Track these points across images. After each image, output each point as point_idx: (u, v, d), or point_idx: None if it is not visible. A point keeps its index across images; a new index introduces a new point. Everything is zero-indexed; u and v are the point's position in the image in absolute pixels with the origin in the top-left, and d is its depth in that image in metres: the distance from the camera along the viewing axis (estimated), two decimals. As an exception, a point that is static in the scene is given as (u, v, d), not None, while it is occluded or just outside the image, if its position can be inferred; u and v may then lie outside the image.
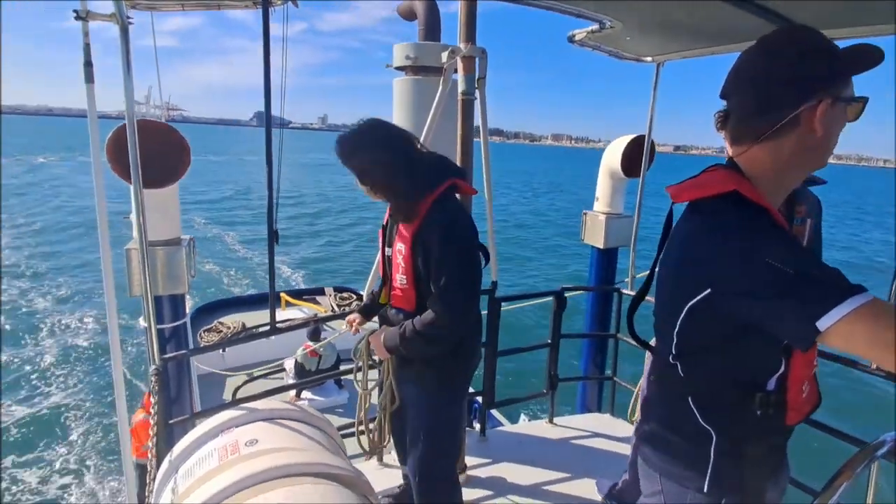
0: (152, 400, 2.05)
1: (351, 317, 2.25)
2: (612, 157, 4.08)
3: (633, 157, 3.90)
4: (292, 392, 5.87)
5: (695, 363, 1.12)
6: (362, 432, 2.39)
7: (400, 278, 1.86)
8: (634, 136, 3.99)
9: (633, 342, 1.42)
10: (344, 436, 2.75)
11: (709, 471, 1.12)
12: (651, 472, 1.25)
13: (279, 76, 2.08)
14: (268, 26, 2.07)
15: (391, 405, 2.11)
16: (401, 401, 2.08)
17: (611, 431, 3.43)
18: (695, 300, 1.04)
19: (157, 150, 2.63)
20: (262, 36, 2.06)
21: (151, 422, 2.01)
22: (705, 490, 1.13)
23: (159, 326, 2.61)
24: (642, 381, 2.49)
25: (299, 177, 48.38)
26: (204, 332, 7.04)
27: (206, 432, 1.80)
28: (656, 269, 1.22)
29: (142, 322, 2.55)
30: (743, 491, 1.12)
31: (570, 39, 2.69)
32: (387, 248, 1.96)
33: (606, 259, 4.17)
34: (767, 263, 0.91)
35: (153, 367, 2.08)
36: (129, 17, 1.63)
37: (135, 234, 2.81)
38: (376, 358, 2.05)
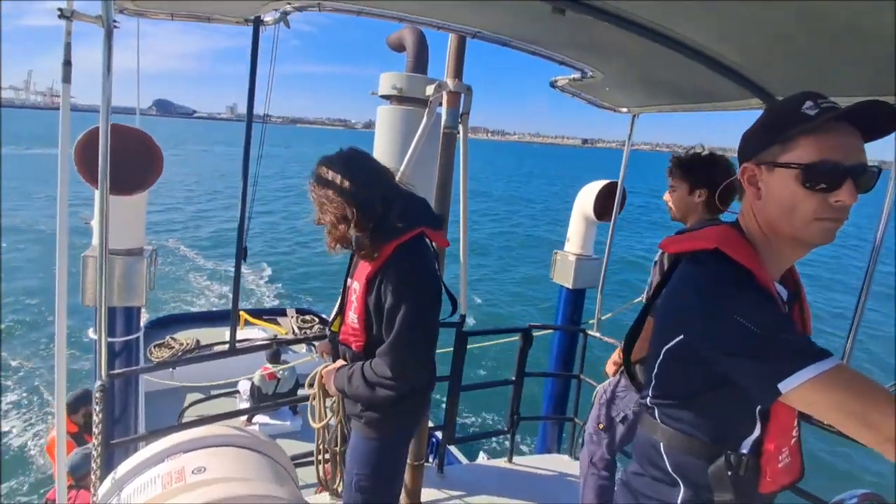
0: (95, 418, 1.93)
1: (321, 346, 2.18)
2: (584, 200, 4.18)
3: (605, 202, 4.01)
4: (243, 417, 5.64)
5: (670, 410, 1.12)
6: (320, 462, 2.30)
7: (351, 317, 1.80)
8: (607, 182, 4.11)
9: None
10: (298, 465, 2.65)
11: None
12: None
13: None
14: (256, 44, 2.07)
15: (341, 444, 2.03)
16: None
17: (570, 473, 3.40)
18: (670, 344, 1.06)
19: (128, 156, 2.55)
20: (251, 54, 2.06)
21: (95, 441, 1.89)
22: None
23: (110, 340, 2.49)
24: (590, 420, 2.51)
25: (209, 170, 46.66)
26: (154, 347, 6.73)
27: (150, 457, 1.70)
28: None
29: (91, 334, 2.42)
30: None
31: (553, 84, 2.78)
32: (348, 279, 1.90)
33: (574, 299, 4.22)
34: (736, 321, 0.92)
35: (99, 382, 1.96)
36: (115, 22, 1.61)
37: (95, 240, 2.69)
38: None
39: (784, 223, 1.02)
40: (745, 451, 1.07)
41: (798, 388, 0.87)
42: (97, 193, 1.89)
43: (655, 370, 1.13)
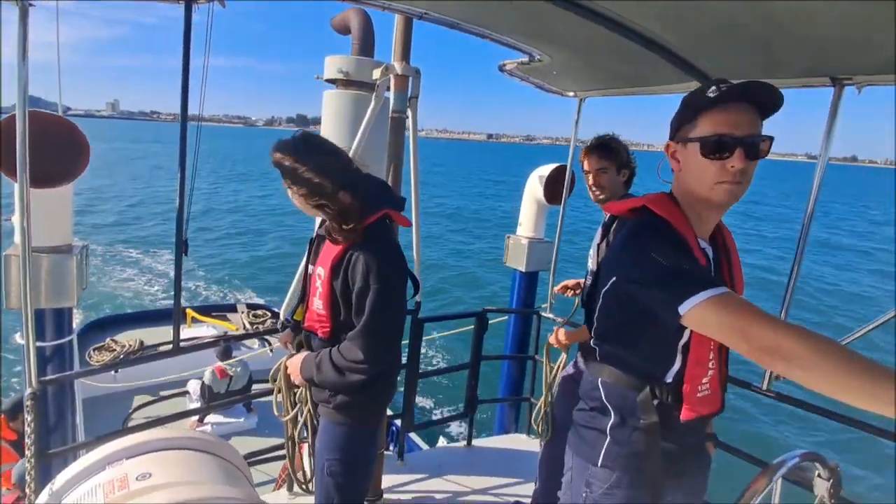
0: (28, 428, 1.81)
1: (283, 336, 2.10)
2: (534, 185, 4.23)
3: (555, 186, 4.06)
4: (193, 418, 5.44)
5: (607, 348, 1.33)
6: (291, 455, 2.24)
7: (317, 303, 1.77)
8: (556, 165, 4.17)
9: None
10: (253, 463, 2.57)
11: (604, 446, 1.29)
12: (567, 450, 1.43)
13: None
14: (189, 24, 1.94)
15: (311, 435, 1.99)
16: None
17: (528, 450, 3.48)
18: (606, 286, 1.28)
19: (50, 146, 2.36)
20: (183, 35, 1.94)
21: (28, 453, 1.76)
22: (599, 464, 1.29)
23: (40, 344, 2.32)
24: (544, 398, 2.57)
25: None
26: (94, 350, 6.36)
27: (89, 465, 1.60)
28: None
29: (18, 339, 2.25)
30: (634, 471, 1.26)
31: (501, 68, 2.77)
32: (310, 266, 1.86)
33: (528, 282, 4.28)
34: (650, 256, 1.11)
35: (29, 390, 1.83)
36: (30, 2, 1.49)
37: (17, 238, 2.49)
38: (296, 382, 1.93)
39: (696, 188, 1.20)
40: (667, 380, 1.26)
41: (693, 309, 1.02)
42: (16, 187, 1.75)
43: (596, 313, 1.34)
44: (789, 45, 1.73)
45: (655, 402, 1.25)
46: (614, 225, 2.08)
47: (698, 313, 1.01)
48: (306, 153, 1.63)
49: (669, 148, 1.27)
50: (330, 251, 1.71)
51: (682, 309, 1.02)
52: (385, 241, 1.71)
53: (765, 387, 2.28)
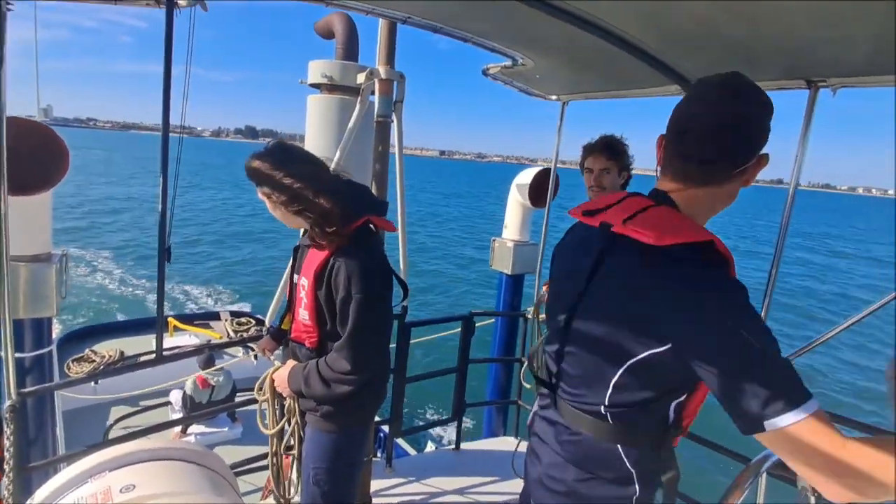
0: (6, 441, 1.76)
1: (262, 343, 2.08)
2: (519, 188, 4.26)
3: (540, 189, 4.10)
4: (176, 429, 5.34)
5: (630, 413, 1.05)
6: (275, 465, 2.20)
7: (302, 313, 1.75)
8: (541, 168, 4.21)
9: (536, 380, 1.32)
10: (239, 473, 2.53)
11: None
12: None
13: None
14: (171, 28, 1.93)
15: (298, 446, 1.96)
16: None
17: (514, 454, 3.48)
18: (646, 353, 0.97)
19: (29, 152, 2.31)
20: (164, 39, 1.92)
21: (6, 466, 1.72)
22: None
23: (19, 355, 2.26)
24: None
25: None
26: (73, 362, 6.22)
27: (71, 478, 1.57)
28: (576, 305, 1.13)
29: (-5, 350, 2.20)
30: None
31: (485, 72, 2.79)
32: (295, 275, 1.84)
33: (514, 285, 4.30)
34: (741, 334, 0.85)
35: (8, 402, 1.78)
36: (9, 4, 1.46)
37: None
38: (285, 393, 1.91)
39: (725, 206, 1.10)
40: (671, 414, 1.07)
41: (788, 429, 0.79)
42: None
43: (616, 378, 1.03)
44: (765, 47, 1.77)
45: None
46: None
47: (790, 434, 0.79)
48: (283, 160, 1.62)
49: (762, 159, 1.04)
50: (313, 260, 1.69)
51: (773, 424, 0.80)
52: (367, 247, 1.69)
53: None
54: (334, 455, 1.80)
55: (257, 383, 1.99)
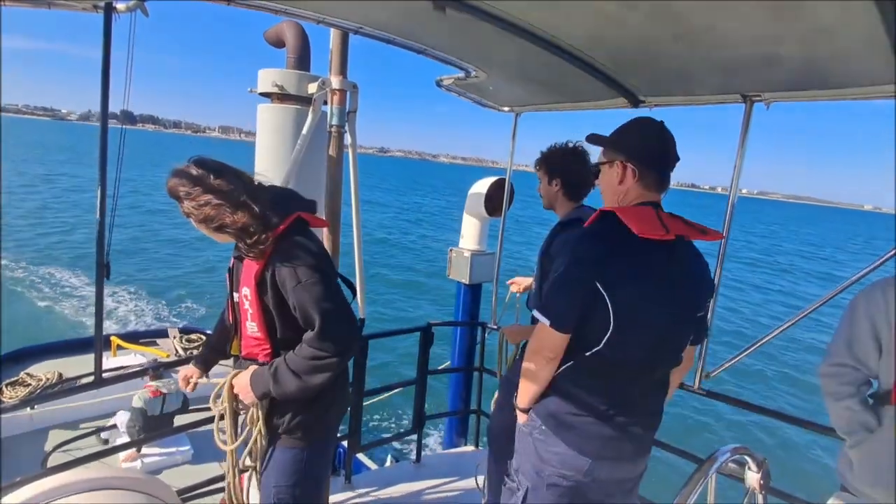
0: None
1: (186, 371, 1.97)
2: (475, 197, 4.29)
3: (496, 198, 4.14)
4: (131, 450, 5.01)
5: None
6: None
7: (251, 327, 1.69)
8: (496, 178, 4.25)
9: None
10: (190, 498, 2.41)
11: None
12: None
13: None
14: (109, 34, 1.84)
15: (260, 461, 1.84)
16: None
17: (475, 464, 3.47)
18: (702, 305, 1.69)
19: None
20: (103, 46, 1.83)
21: None
22: None
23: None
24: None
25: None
26: (6, 386, 5.79)
27: (-2, 515, 1.45)
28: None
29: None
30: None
31: (438, 83, 2.81)
32: (234, 294, 1.77)
33: (472, 294, 4.31)
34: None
35: None
36: None
37: None
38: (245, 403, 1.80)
39: None
40: None
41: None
42: None
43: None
44: (703, 64, 1.86)
45: None
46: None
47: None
48: (198, 177, 1.59)
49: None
50: (250, 270, 1.65)
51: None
52: (301, 242, 1.65)
53: (696, 385, 2.40)
54: (298, 472, 1.73)
55: (213, 392, 1.84)
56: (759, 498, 1.20)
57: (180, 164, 1.64)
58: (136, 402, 5.10)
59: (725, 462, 1.11)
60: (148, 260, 20.47)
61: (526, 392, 1.60)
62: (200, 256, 21.11)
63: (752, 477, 1.21)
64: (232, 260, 1.81)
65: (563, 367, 1.55)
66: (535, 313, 1.51)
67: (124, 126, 2.20)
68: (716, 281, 2.31)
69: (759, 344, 2.38)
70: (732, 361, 2.40)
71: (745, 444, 1.18)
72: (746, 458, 1.20)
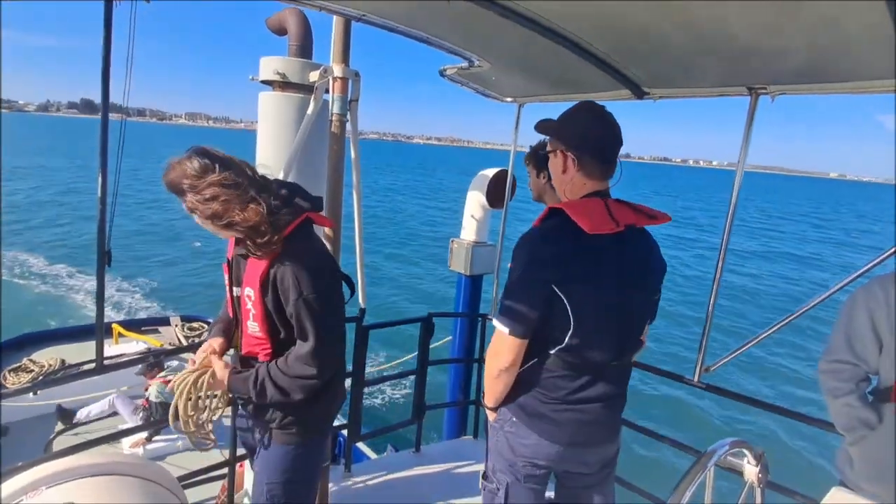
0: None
1: (212, 342, 1.80)
2: (477, 188, 4.27)
3: (497, 190, 4.12)
4: (139, 436, 5.02)
5: None
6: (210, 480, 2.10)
7: (252, 326, 1.65)
8: (498, 170, 4.23)
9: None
10: (190, 485, 2.43)
11: None
12: None
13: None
14: (110, 22, 1.82)
15: (251, 454, 1.84)
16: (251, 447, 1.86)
17: (474, 454, 3.50)
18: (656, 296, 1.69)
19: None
20: (104, 34, 1.81)
21: None
22: None
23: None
24: None
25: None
26: (10, 372, 5.83)
27: (6, 496, 1.46)
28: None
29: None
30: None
31: (442, 73, 2.78)
32: (234, 289, 1.72)
33: (473, 286, 4.31)
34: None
35: None
36: None
37: None
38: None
39: None
40: None
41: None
42: None
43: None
44: (708, 55, 1.84)
45: None
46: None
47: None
48: (203, 169, 1.49)
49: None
50: (255, 269, 1.59)
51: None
52: (308, 246, 1.62)
53: (696, 379, 2.40)
54: (291, 469, 1.72)
55: (174, 381, 1.72)
56: (758, 491, 1.21)
57: (177, 155, 1.53)
58: (155, 397, 5.10)
59: (724, 455, 1.11)
60: (145, 252, 20.52)
61: (492, 392, 1.61)
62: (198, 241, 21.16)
63: (751, 470, 1.21)
64: (231, 253, 1.74)
65: (530, 363, 1.55)
66: (494, 321, 1.51)
67: (125, 119, 2.20)
68: (715, 281, 2.31)
69: (758, 339, 2.38)
70: (732, 356, 2.40)
71: (743, 437, 1.18)
72: (745, 451, 1.20)
